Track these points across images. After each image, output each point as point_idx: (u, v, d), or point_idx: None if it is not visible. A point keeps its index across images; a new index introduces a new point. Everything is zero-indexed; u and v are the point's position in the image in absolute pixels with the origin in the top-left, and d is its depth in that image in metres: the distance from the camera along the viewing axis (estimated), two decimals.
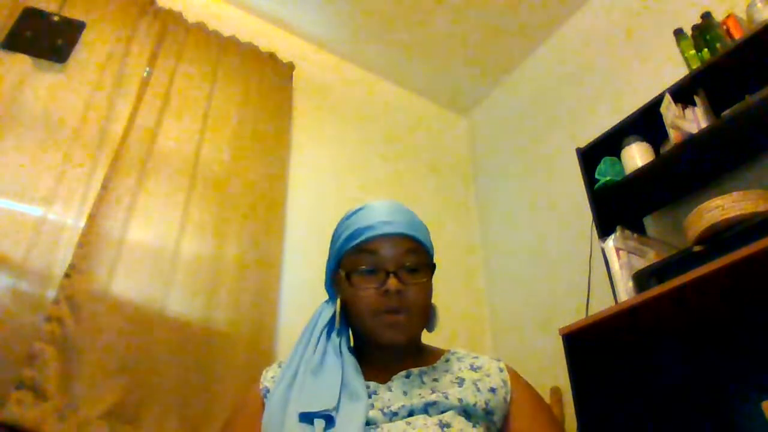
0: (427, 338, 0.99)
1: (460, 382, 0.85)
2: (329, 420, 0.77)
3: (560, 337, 1.58)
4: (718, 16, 1.77)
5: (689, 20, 1.84)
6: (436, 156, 2.91)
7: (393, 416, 0.78)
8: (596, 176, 1.86)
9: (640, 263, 1.60)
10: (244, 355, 1.71)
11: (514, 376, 0.91)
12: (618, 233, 1.66)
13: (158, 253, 1.73)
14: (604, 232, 1.74)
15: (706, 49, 1.75)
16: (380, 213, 0.91)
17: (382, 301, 0.86)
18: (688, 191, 1.80)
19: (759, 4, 1.66)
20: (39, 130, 1.69)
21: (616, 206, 1.85)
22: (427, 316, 0.92)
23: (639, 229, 1.88)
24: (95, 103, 1.82)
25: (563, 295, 2.12)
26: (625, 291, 1.55)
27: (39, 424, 1.31)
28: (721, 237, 1.37)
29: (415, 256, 0.90)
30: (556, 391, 1.76)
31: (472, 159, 3.04)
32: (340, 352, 0.88)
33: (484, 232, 2.77)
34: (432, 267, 0.94)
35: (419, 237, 0.91)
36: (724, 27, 1.73)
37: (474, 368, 0.90)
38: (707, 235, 1.40)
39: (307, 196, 2.25)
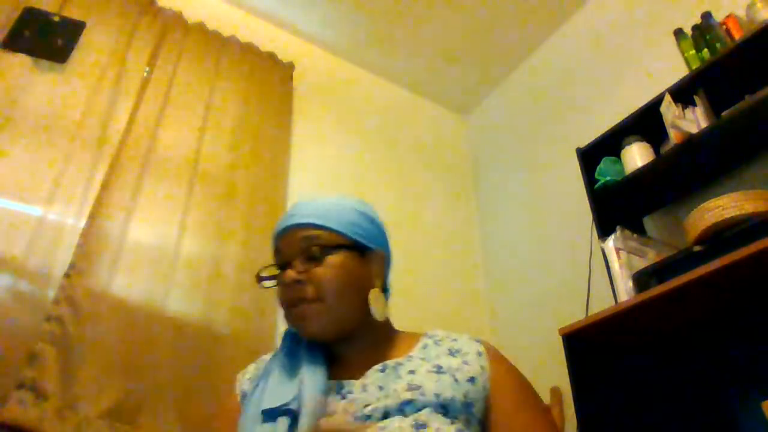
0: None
1: (438, 369, 0.81)
2: (294, 417, 0.75)
3: (560, 337, 1.58)
4: (718, 16, 1.77)
5: (689, 20, 1.84)
6: (436, 156, 2.91)
7: (366, 419, 0.74)
8: (596, 176, 1.86)
9: (640, 263, 1.60)
10: (244, 355, 1.71)
11: (495, 359, 0.85)
12: (618, 233, 1.66)
13: (158, 253, 1.73)
14: (604, 232, 1.74)
15: (706, 49, 1.75)
16: (287, 212, 0.90)
17: (286, 294, 0.84)
18: (688, 191, 1.80)
19: (759, 4, 1.66)
20: (39, 130, 1.69)
21: (616, 206, 1.85)
22: (352, 302, 0.84)
23: (639, 229, 1.88)
24: (95, 103, 1.82)
25: (563, 295, 2.12)
26: (625, 291, 1.55)
27: (39, 424, 1.31)
28: (721, 237, 1.37)
29: (317, 241, 0.84)
30: (556, 391, 1.75)
31: (472, 159, 3.04)
32: (308, 350, 0.86)
33: (484, 232, 2.77)
34: (351, 246, 0.86)
35: (320, 222, 0.85)
36: (724, 27, 1.73)
37: (452, 353, 0.85)
38: (707, 235, 1.40)
39: (307, 195, 2.24)
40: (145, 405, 1.49)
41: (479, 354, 0.85)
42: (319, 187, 2.32)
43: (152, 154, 1.86)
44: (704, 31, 1.77)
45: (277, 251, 0.88)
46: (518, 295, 2.40)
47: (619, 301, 1.56)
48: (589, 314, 1.70)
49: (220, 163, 2.01)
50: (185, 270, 1.75)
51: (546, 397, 1.77)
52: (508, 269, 2.53)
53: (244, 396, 0.87)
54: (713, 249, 1.35)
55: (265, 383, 0.83)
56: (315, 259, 0.83)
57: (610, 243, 1.65)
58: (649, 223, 1.95)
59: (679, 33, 1.87)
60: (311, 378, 0.79)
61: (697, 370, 1.56)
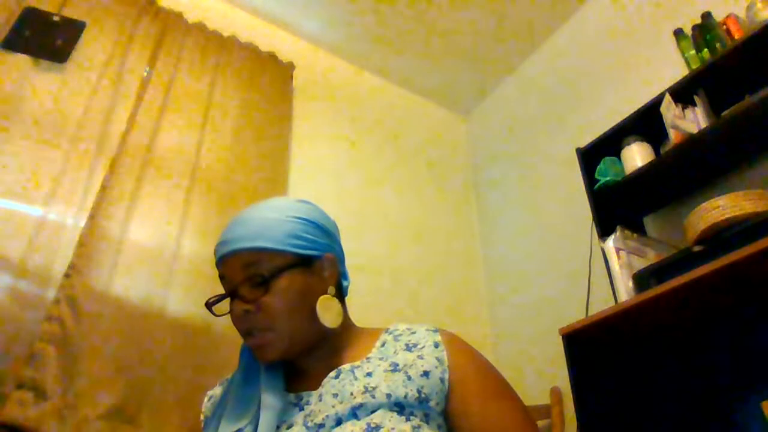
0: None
1: (394, 368, 0.77)
2: None
3: (560, 337, 1.58)
4: (718, 16, 1.77)
5: (689, 20, 1.85)
6: (436, 156, 2.91)
7: (319, 428, 0.72)
8: (596, 176, 1.86)
9: (640, 263, 1.60)
10: None
11: (453, 349, 0.82)
12: (618, 233, 1.66)
13: (158, 253, 1.73)
14: (604, 232, 1.74)
15: (706, 49, 1.75)
16: (222, 234, 0.85)
17: (238, 325, 0.82)
18: (688, 191, 1.80)
19: (759, 5, 1.66)
20: (39, 130, 1.69)
21: (616, 206, 1.85)
22: (306, 320, 0.81)
23: (639, 229, 1.88)
24: (95, 103, 1.82)
25: (563, 295, 2.12)
26: (625, 291, 1.55)
27: (39, 424, 1.32)
28: (721, 237, 1.37)
29: (258, 269, 0.80)
30: (556, 391, 1.76)
31: (472, 159, 3.05)
32: (265, 367, 0.84)
33: (484, 232, 2.77)
34: (295, 263, 0.81)
35: (257, 244, 0.80)
36: (724, 27, 1.73)
37: (409, 347, 0.82)
38: (707, 235, 1.40)
39: (307, 196, 2.22)
40: (145, 405, 1.49)
41: (436, 346, 0.81)
42: (319, 187, 2.32)
43: (152, 154, 1.86)
44: (704, 31, 1.77)
45: (222, 278, 0.85)
46: (518, 295, 2.40)
47: (619, 301, 1.56)
48: (589, 314, 1.70)
49: (220, 163, 2.01)
50: (185, 270, 1.75)
51: (546, 397, 1.78)
52: (508, 269, 2.53)
53: (205, 420, 0.88)
54: (713, 249, 1.35)
55: (222, 409, 0.82)
56: (261, 285, 0.79)
57: (610, 243, 1.65)
58: (649, 223, 1.95)
59: (679, 33, 1.87)
60: (266, 397, 0.78)
61: (697, 370, 1.56)
